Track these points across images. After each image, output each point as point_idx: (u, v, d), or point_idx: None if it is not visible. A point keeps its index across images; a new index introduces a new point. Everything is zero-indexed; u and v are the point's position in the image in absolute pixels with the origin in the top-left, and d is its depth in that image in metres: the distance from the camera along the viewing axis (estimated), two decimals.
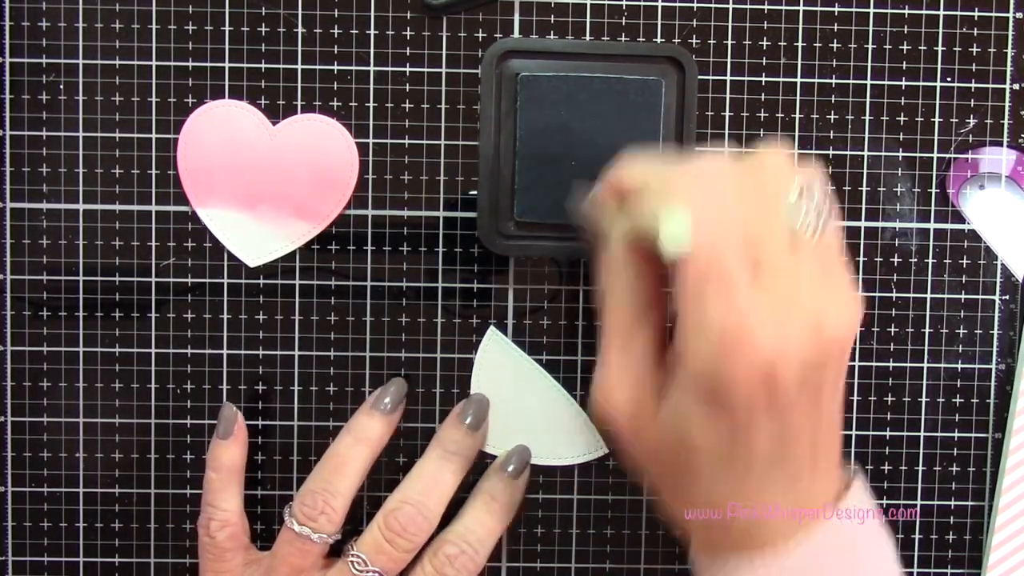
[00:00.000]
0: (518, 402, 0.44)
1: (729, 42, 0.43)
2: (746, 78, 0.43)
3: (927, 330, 0.44)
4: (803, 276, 0.31)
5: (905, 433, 0.45)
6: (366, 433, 0.41)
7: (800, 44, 0.43)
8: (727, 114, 0.43)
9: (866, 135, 0.44)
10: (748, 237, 0.31)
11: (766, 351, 0.30)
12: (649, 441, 0.34)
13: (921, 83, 0.44)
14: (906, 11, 0.44)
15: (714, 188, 0.32)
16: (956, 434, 0.45)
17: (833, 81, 0.44)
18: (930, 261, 0.44)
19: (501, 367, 0.44)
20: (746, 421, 0.31)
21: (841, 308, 0.32)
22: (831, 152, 0.44)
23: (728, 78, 0.43)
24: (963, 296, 0.44)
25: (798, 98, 0.44)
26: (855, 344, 0.44)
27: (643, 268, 0.34)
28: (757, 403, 0.31)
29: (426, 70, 0.43)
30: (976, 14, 0.44)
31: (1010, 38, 0.44)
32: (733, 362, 0.30)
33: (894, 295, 0.44)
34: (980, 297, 0.44)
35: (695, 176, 0.32)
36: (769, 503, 0.33)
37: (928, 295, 0.44)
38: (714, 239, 0.31)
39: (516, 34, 0.43)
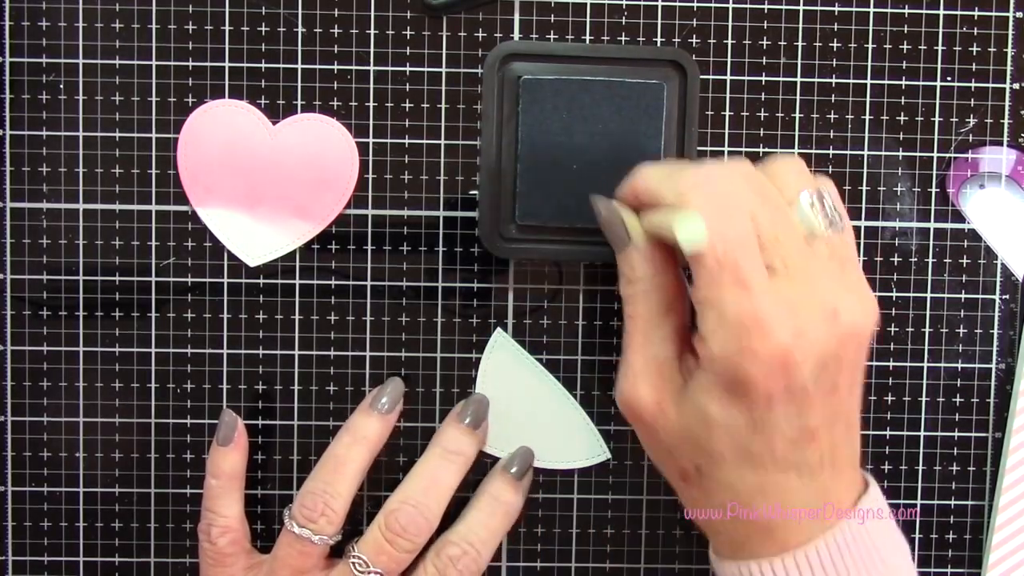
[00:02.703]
0: (523, 405, 0.44)
1: (729, 42, 0.43)
2: (746, 78, 0.43)
3: (927, 330, 0.44)
4: (818, 271, 0.33)
5: (905, 433, 0.45)
6: (364, 433, 0.41)
7: (800, 44, 0.43)
8: (727, 114, 0.43)
9: (866, 135, 0.44)
10: (763, 235, 0.32)
11: (783, 338, 0.31)
12: (672, 431, 0.35)
13: (921, 83, 0.44)
14: (906, 11, 0.44)
15: (727, 189, 0.33)
16: (956, 434, 0.45)
17: (833, 81, 0.44)
18: (930, 261, 0.44)
19: (507, 369, 0.44)
20: (765, 408, 0.32)
21: (857, 300, 0.33)
22: (831, 152, 0.44)
23: (728, 78, 0.43)
24: (963, 296, 0.44)
25: (798, 98, 0.44)
26: None
27: (663, 265, 0.35)
28: (775, 390, 0.32)
29: (426, 70, 0.43)
30: (976, 14, 0.44)
31: (1010, 38, 0.44)
32: (751, 349, 0.31)
33: (894, 295, 0.44)
34: (980, 297, 0.44)
35: (707, 180, 0.33)
36: (791, 497, 0.33)
37: (928, 295, 0.44)
38: (728, 236, 0.32)
39: (516, 34, 0.43)
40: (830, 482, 0.34)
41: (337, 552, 0.41)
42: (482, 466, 0.44)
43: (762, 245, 0.32)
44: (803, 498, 0.33)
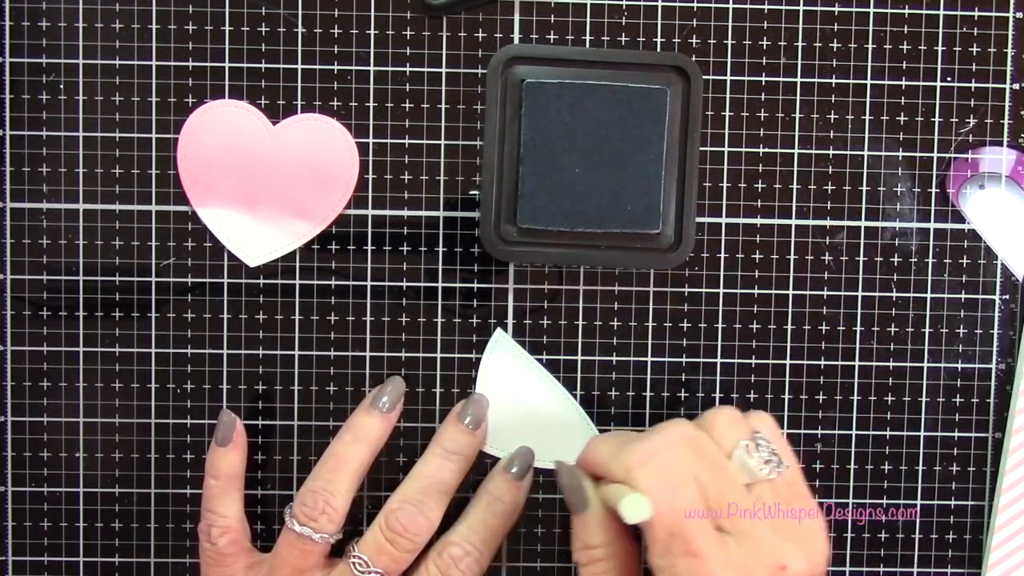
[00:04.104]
0: (523, 404, 0.44)
1: (729, 42, 0.43)
2: (746, 78, 0.43)
3: (927, 330, 0.44)
4: (764, 527, 0.35)
5: (905, 433, 0.45)
6: (364, 432, 0.41)
7: (800, 44, 0.43)
8: (727, 114, 0.43)
9: (866, 135, 0.44)
10: (709, 498, 0.34)
11: None
12: None
13: (921, 83, 0.44)
14: (906, 11, 0.44)
15: (671, 460, 0.35)
16: (956, 434, 0.45)
17: (833, 81, 0.44)
18: (930, 261, 0.44)
19: (507, 370, 0.44)
20: None
21: (804, 550, 0.35)
22: (831, 152, 0.44)
23: (728, 78, 0.43)
24: (963, 296, 0.44)
25: (798, 98, 0.44)
26: (855, 344, 0.44)
27: (619, 531, 0.37)
28: None
29: (426, 70, 0.43)
30: (976, 14, 0.44)
31: (1010, 38, 0.44)
32: None
33: (894, 295, 0.44)
34: (980, 297, 0.44)
35: (651, 455, 0.35)
36: None
37: (928, 295, 0.44)
38: (676, 507, 0.34)
39: (516, 34, 0.43)
40: None
41: (338, 552, 0.41)
42: (482, 466, 0.44)
43: (710, 508, 0.34)
44: None
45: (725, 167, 0.44)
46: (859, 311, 0.44)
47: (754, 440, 0.36)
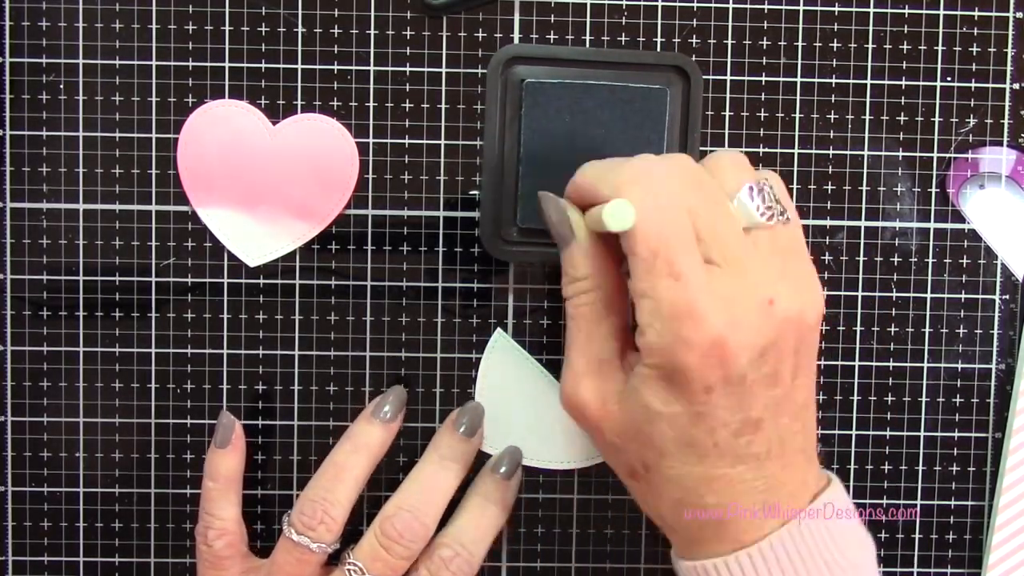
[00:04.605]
0: (523, 405, 0.44)
1: (729, 42, 0.43)
2: (746, 78, 0.43)
3: (927, 330, 0.44)
4: (756, 263, 0.33)
5: (905, 433, 0.45)
6: (365, 441, 0.41)
7: (800, 44, 0.43)
8: (727, 114, 0.43)
9: (866, 135, 0.44)
10: (700, 228, 0.32)
11: (717, 328, 0.31)
12: (617, 429, 0.35)
13: (921, 83, 0.44)
14: (906, 11, 0.44)
15: (663, 183, 0.33)
16: (956, 434, 0.45)
17: (833, 81, 0.44)
18: (930, 261, 0.44)
19: (507, 370, 0.44)
20: (704, 398, 0.32)
21: (796, 290, 0.33)
22: (831, 152, 0.44)
23: (728, 78, 0.43)
24: (963, 296, 0.44)
25: (798, 98, 0.44)
26: (855, 344, 0.44)
27: (605, 264, 0.35)
28: (713, 380, 0.32)
29: (426, 70, 0.43)
30: (976, 14, 0.44)
31: (1010, 38, 0.44)
32: (685, 339, 0.31)
33: (894, 295, 0.44)
34: (980, 297, 0.44)
35: (644, 174, 0.33)
36: (739, 490, 0.33)
37: (928, 295, 0.44)
38: (662, 228, 0.32)
39: (516, 34, 0.43)
40: (780, 474, 0.34)
41: (334, 557, 0.41)
42: (479, 466, 0.44)
43: (700, 238, 0.32)
44: (752, 491, 0.33)
45: None
46: (859, 311, 0.44)
47: (759, 185, 0.34)
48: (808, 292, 0.34)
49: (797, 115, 0.44)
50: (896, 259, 0.44)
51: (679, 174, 0.33)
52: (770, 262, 0.33)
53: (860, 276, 0.44)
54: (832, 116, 0.44)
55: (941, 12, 0.44)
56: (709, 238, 0.32)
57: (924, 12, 0.44)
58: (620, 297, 0.36)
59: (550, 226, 0.36)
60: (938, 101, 0.44)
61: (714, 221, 0.33)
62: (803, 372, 0.34)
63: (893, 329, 0.44)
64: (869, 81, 0.44)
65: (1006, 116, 0.44)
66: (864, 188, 0.44)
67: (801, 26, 0.43)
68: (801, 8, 0.43)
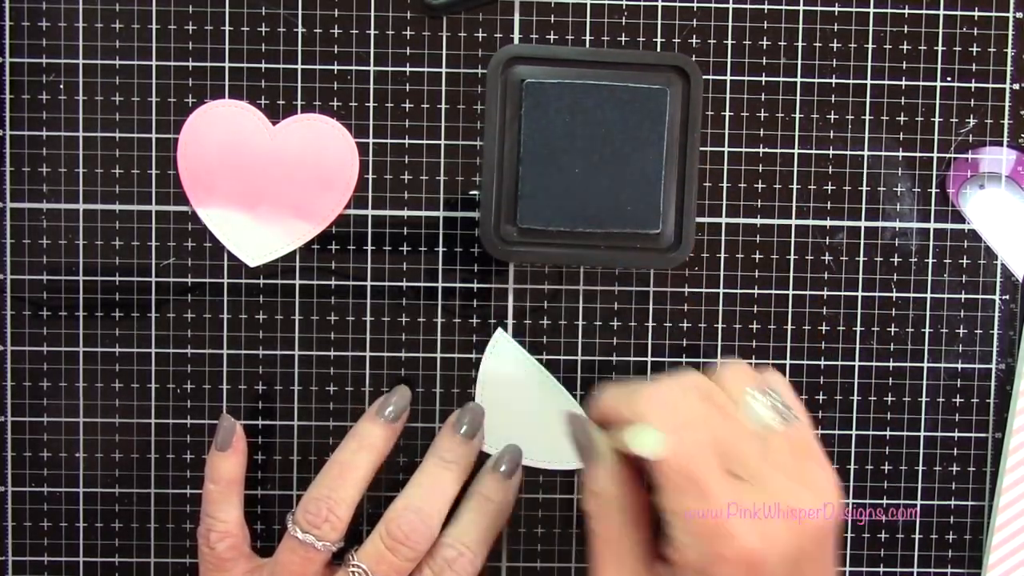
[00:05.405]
0: (523, 404, 0.44)
1: (729, 42, 0.43)
2: (746, 78, 0.43)
3: (927, 330, 0.44)
4: (775, 469, 0.34)
5: (905, 433, 0.45)
6: (370, 440, 0.41)
7: (800, 44, 0.43)
8: (727, 114, 0.43)
9: (866, 135, 0.44)
10: (720, 443, 0.34)
11: (749, 542, 0.33)
12: None
13: (921, 83, 0.44)
14: (906, 11, 0.44)
15: (681, 404, 0.35)
16: (956, 434, 0.45)
17: (833, 81, 0.44)
18: (930, 261, 0.44)
19: (507, 370, 0.44)
20: None
21: (817, 494, 0.35)
22: (831, 152, 0.44)
23: (728, 78, 0.43)
24: (963, 296, 0.44)
25: (798, 98, 0.44)
26: (855, 344, 0.44)
27: (628, 482, 0.36)
28: None
29: (426, 70, 0.43)
30: (976, 14, 0.44)
31: (1010, 38, 0.44)
32: (721, 555, 0.33)
33: (894, 295, 0.44)
34: (980, 297, 0.44)
35: (662, 397, 0.35)
36: None
37: (928, 295, 0.44)
38: (686, 448, 0.33)
39: (516, 34, 0.43)
40: None
41: (337, 557, 0.41)
42: (477, 464, 0.44)
43: (721, 452, 0.34)
44: None
45: (725, 167, 0.44)
46: (859, 311, 0.44)
47: (765, 391, 0.36)
48: (828, 495, 0.35)
49: (797, 115, 0.44)
50: (896, 259, 0.44)
51: (694, 392, 0.35)
52: (790, 469, 0.35)
53: (860, 276, 0.44)
54: (832, 116, 0.44)
55: (941, 12, 0.44)
56: (731, 454, 0.34)
57: (924, 12, 0.44)
58: (642, 511, 0.37)
59: (574, 443, 0.37)
60: (938, 101, 0.44)
61: (732, 435, 0.34)
62: (827, 571, 0.35)
63: (893, 329, 0.44)
64: (869, 81, 0.44)
65: (1006, 116, 0.44)
66: (864, 188, 0.44)
67: (801, 26, 0.43)
68: (801, 8, 0.43)
